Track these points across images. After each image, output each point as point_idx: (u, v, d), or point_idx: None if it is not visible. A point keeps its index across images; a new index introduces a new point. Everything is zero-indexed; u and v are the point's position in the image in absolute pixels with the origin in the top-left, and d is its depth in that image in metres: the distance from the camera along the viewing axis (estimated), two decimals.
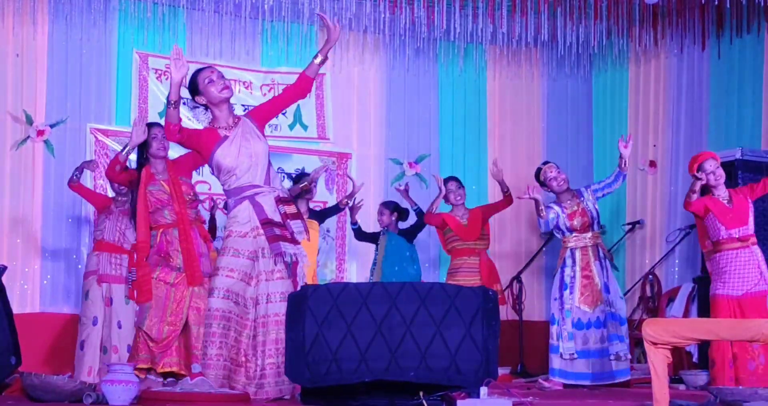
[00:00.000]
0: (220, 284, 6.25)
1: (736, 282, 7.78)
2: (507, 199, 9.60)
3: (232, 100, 6.56)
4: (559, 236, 8.77)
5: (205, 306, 7.30)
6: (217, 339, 6.20)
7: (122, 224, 8.71)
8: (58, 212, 10.02)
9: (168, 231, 7.39)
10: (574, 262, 8.63)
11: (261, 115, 6.49)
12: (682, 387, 8.51)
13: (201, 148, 6.38)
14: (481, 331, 5.54)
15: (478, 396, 5.38)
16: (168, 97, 6.16)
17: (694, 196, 7.88)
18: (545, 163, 8.94)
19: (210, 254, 7.59)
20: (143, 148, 7.51)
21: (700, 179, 7.83)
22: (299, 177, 9.49)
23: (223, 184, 6.44)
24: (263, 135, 6.41)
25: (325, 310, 5.58)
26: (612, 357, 8.44)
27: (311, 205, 9.77)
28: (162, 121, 7.91)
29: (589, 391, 8.16)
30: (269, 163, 6.42)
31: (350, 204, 9.82)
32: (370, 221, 10.67)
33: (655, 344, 5.12)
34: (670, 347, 5.15)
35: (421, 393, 5.38)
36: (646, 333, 5.12)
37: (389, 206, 10.15)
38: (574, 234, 8.63)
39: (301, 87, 6.44)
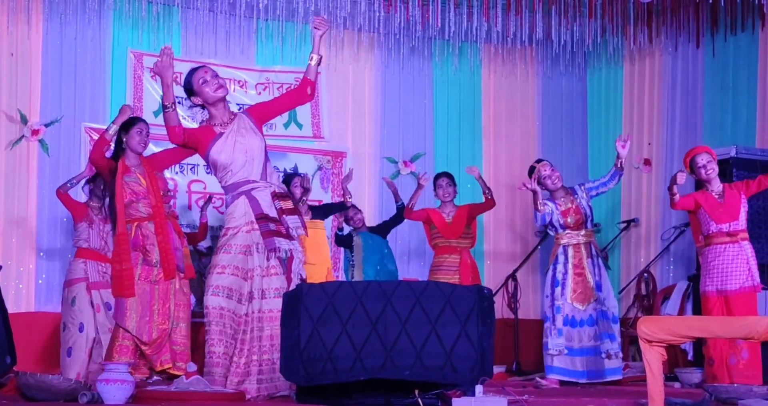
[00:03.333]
0: (213, 282, 6.21)
1: (723, 277, 7.81)
2: (488, 202, 9.63)
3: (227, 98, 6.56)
4: (552, 232, 8.78)
5: (186, 302, 7.34)
6: (216, 337, 6.18)
7: (104, 232, 8.70)
8: (53, 212, 10.00)
9: (143, 225, 7.42)
10: (566, 259, 8.61)
11: (259, 113, 6.49)
12: (677, 385, 8.52)
13: (198, 146, 6.37)
14: (476, 329, 5.54)
15: (473, 394, 5.37)
16: (163, 101, 6.15)
17: (676, 198, 7.94)
18: (538, 161, 8.91)
19: (183, 250, 7.60)
20: (121, 140, 7.56)
21: (681, 174, 7.89)
22: (288, 178, 9.46)
23: (220, 181, 6.42)
24: (260, 131, 6.40)
25: (321, 308, 5.58)
26: (603, 355, 8.45)
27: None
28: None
29: (583, 389, 8.16)
30: (266, 159, 6.39)
31: (351, 198, 9.77)
32: (377, 219, 10.76)
33: (650, 341, 5.12)
34: (664, 344, 5.16)
35: (416, 391, 5.38)
36: (641, 331, 5.13)
37: (357, 207, 10.18)
38: (567, 231, 8.63)
39: (302, 91, 6.45)
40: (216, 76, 6.39)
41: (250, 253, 6.25)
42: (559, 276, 8.57)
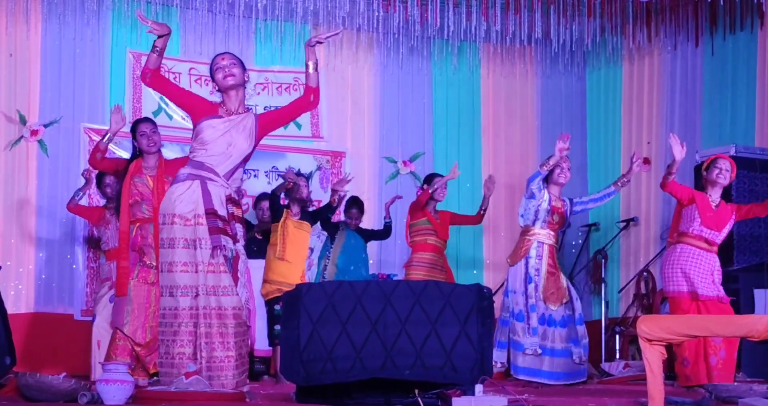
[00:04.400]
0: (180, 281, 6.11)
1: (695, 280, 7.81)
2: (479, 217, 9.66)
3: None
4: (524, 222, 8.57)
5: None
6: (186, 338, 6.12)
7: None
8: (53, 212, 10.01)
9: (144, 226, 7.41)
10: (540, 255, 8.46)
11: (265, 121, 6.42)
12: (676, 384, 8.51)
13: (193, 110, 6.29)
14: (476, 329, 5.54)
15: (473, 394, 5.38)
16: (155, 43, 6.05)
17: (670, 178, 7.89)
18: None
19: None
20: (135, 142, 7.58)
21: (675, 159, 7.85)
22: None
23: (190, 151, 6.30)
24: (256, 139, 6.35)
25: (320, 308, 5.58)
26: (576, 359, 8.39)
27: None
28: (156, 120, 7.93)
29: (583, 387, 8.15)
30: (240, 166, 6.31)
31: (339, 201, 9.67)
32: (374, 220, 10.75)
33: (649, 340, 5.12)
34: (664, 343, 5.16)
35: (416, 391, 5.38)
36: (641, 330, 5.13)
37: (360, 206, 10.11)
38: (546, 229, 8.49)
39: (306, 99, 6.43)
40: (233, 65, 6.30)
41: (194, 247, 6.12)
42: (533, 272, 8.40)
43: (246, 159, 6.34)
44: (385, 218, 10.20)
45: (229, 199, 6.27)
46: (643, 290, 10.84)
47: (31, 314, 9.83)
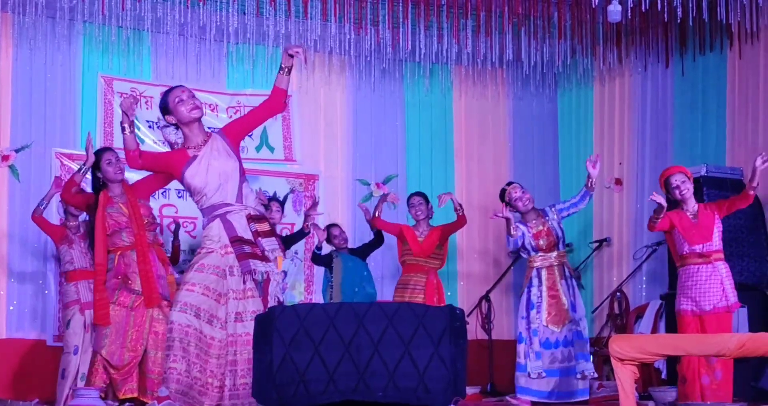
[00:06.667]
0: (180, 298, 6.11)
1: (697, 297, 7.80)
2: (460, 219, 9.61)
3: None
4: (525, 255, 8.80)
5: (164, 330, 7.24)
6: (179, 354, 6.09)
7: (85, 249, 8.67)
8: (24, 237, 9.95)
9: (126, 253, 7.40)
10: (540, 281, 8.64)
11: (234, 132, 6.38)
12: (651, 404, 8.52)
13: (171, 169, 6.32)
14: (448, 350, 5.53)
15: None
16: (121, 123, 6.13)
17: (658, 222, 7.91)
18: (509, 183, 9.01)
19: (168, 277, 7.58)
20: (97, 173, 7.55)
21: (661, 204, 7.84)
22: (269, 201, 9.44)
23: (197, 204, 6.35)
24: (235, 152, 6.33)
25: (293, 331, 5.56)
26: (578, 376, 8.48)
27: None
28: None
29: None
30: (242, 181, 6.28)
31: (310, 227, 9.67)
32: (352, 241, 10.70)
33: (621, 360, 5.14)
34: (636, 363, 5.17)
35: None
36: (613, 349, 5.14)
37: (340, 226, 10.15)
38: (540, 254, 8.64)
39: (274, 101, 6.30)
40: (192, 96, 6.27)
41: (225, 276, 6.16)
42: (534, 299, 8.60)
43: (242, 173, 6.33)
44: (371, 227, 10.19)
45: (250, 219, 6.25)
46: (616, 310, 10.86)
47: (2, 340, 9.76)
